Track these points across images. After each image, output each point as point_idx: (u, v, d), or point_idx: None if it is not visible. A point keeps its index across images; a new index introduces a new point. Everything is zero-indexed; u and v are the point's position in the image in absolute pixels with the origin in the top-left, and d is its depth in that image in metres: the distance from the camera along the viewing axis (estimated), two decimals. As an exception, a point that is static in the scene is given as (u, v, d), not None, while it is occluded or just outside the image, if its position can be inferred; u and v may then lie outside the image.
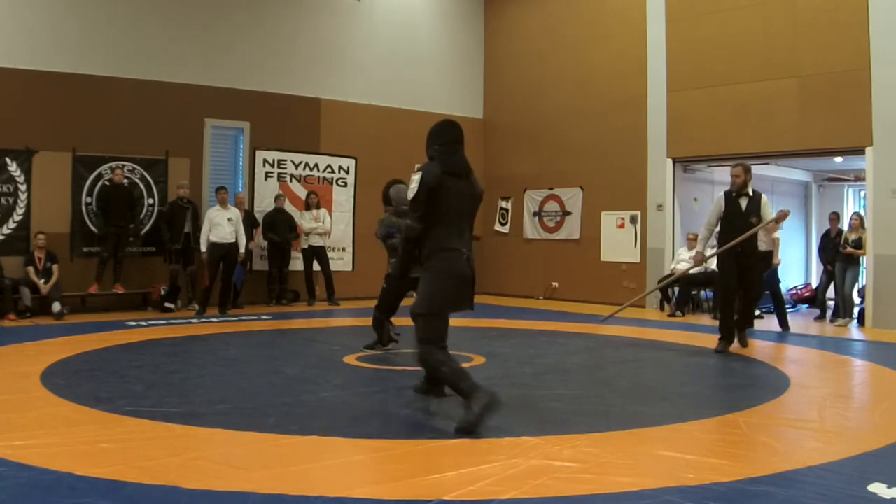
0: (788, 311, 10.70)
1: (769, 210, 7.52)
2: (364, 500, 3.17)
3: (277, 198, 11.87)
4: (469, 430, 4.18)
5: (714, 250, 7.95)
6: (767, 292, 10.06)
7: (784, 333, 9.25)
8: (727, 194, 7.43)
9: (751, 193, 7.36)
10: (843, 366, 7.15)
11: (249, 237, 11.15)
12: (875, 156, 9.87)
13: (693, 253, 11.34)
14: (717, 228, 7.62)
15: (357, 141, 13.05)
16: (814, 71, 10.39)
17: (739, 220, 7.29)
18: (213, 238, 10.39)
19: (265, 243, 11.73)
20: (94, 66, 10.59)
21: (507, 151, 14.29)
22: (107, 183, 10.54)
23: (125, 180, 10.67)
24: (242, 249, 10.74)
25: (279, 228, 11.63)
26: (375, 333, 7.25)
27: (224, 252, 10.42)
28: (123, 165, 10.73)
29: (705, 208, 12.95)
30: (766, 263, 9.56)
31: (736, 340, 7.63)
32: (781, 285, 10.40)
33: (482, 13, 14.81)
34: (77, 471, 3.46)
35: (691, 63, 11.69)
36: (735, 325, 7.55)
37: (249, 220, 11.36)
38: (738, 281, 7.39)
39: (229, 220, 10.50)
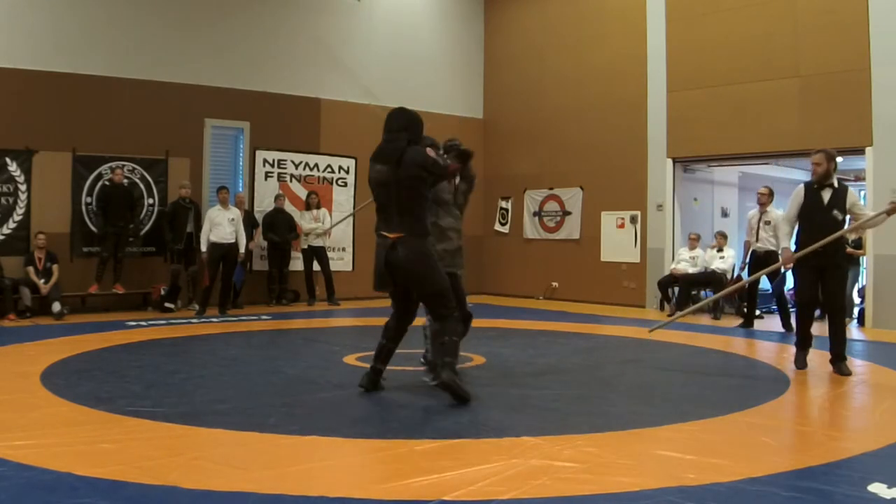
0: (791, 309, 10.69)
1: (859, 203, 6.55)
2: (364, 500, 3.17)
3: (277, 198, 11.87)
4: (446, 386, 4.89)
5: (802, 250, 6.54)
6: (770, 292, 10.04)
7: (786, 334, 9.23)
8: (807, 185, 6.45)
9: (835, 185, 6.37)
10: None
11: (249, 237, 11.15)
12: (875, 156, 9.87)
13: (694, 253, 11.43)
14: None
15: (357, 141, 13.03)
16: (814, 71, 10.39)
17: (821, 214, 6.27)
18: (213, 238, 10.39)
19: (265, 243, 11.73)
20: (94, 66, 10.59)
21: (507, 151, 14.29)
22: (107, 183, 10.54)
23: (125, 180, 10.68)
24: (242, 249, 10.74)
25: (279, 229, 11.63)
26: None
27: (224, 252, 10.42)
28: (123, 165, 10.74)
29: (705, 208, 13.01)
30: (773, 264, 9.51)
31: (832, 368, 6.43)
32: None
33: (482, 13, 14.81)
34: (77, 471, 3.46)
35: (691, 63, 11.69)
36: (830, 353, 6.41)
37: (249, 221, 11.36)
38: (817, 289, 6.36)
39: (230, 220, 10.50)
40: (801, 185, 6.54)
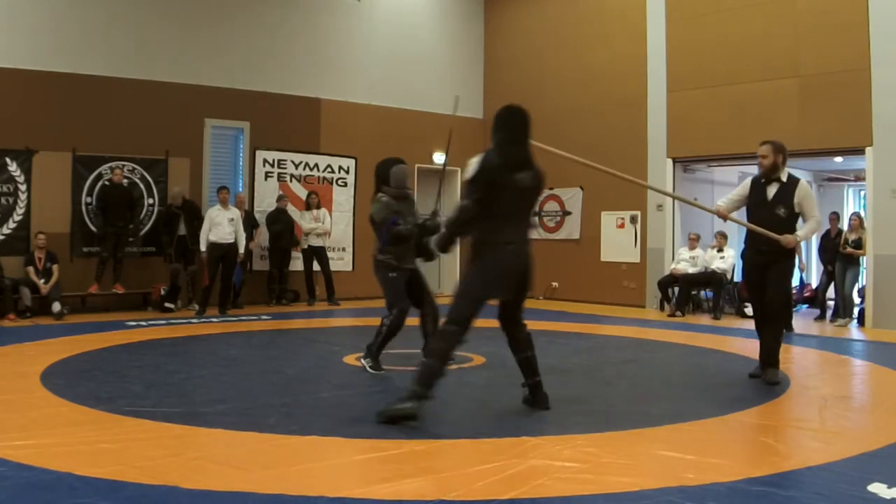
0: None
1: (811, 199, 5.89)
2: (364, 500, 3.17)
3: (280, 199, 11.87)
4: (385, 418, 4.37)
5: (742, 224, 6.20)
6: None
7: (787, 334, 9.21)
8: (754, 180, 6.04)
9: (783, 179, 5.86)
10: (843, 366, 7.15)
11: (249, 237, 11.15)
12: (875, 156, 9.87)
13: (694, 253, 11.43)
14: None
15: (357, 141, 13.06)
16: (814, 71, 10.39)
17: (763, 211, 5.83)
18: (213, 238, 10.38)
19: (265, 243, 11.73)
20: (94, 66, 10.59)
21: (507, 151, 14.26)
22: (107, 183, 10.54)
23: (125, 180, 10.67)
24: (242, 250, 10.74)
25: (281, 229, 11.65)
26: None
27: (223, 252, 10.42)
28: (123, 165, 10.74)
29: (705, 208, 13.00)
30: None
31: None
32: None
33: (482, 13, 14.81)
34: (77, 471, 3.46)
35: (691, 63, 11.69)
36: (761, 357, 6.02)
37: (249, 221, 11.36)
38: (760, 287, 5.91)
39: (230, 220, 10.50)
40: (749, 179, 6.15)
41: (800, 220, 5.91)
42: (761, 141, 6.02)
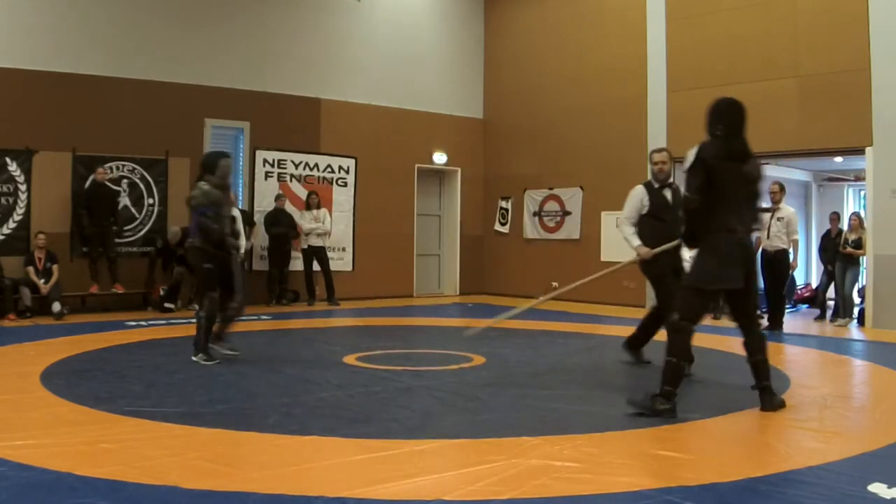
0: (788, 310, 10.68)
1: None
2: (364, 500, 3.17)
3: (278, 198, 11.87)
4: (647, 410, 4.57)
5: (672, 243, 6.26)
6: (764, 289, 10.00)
7: (776, 334, 9.13)
8: (648, 186, 6.36)
9: (674, 185, 6.43)
10: (843, 366, 7.15)
11: (247, 236, 11.13)
12: (875, 156, 9.86)
13: (693, 253, 11.40)
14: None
15: (357, 141, 13.06)
16: (814, 71, 10.38)
17: (669, 213, 6.18)
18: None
19: (265, 242, 11.73)
20: (94, 66, 10.59)
21: (507, 151, 14.29)
22: (91, 183, 10.43)
23: (121, 180, 10.63)
24: (242, 250, 10.72)
25: (282, 227, 11.64)
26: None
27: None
28: (108, 166, 10.65)
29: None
30: (784, 265, 9.51)
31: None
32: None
33: (482, 13, 14.81)
34: (77, 471, 3.46)
35: (691, 63, 11.69)
36: (631, 341, 6.63)
37: (246, 219, 11.32)
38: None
39: (231, 219, 10.47)
40: (640, 186, 6.41)
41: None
42: (656, 149, 6.58)
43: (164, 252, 10.79)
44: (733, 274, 4.64)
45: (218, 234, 6.43)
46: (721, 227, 4.62)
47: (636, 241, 6.26)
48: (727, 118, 4.69)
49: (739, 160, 4.66)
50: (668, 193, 6.34)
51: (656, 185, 6.36)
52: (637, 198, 6.36)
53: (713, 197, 4.60)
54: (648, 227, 6.26)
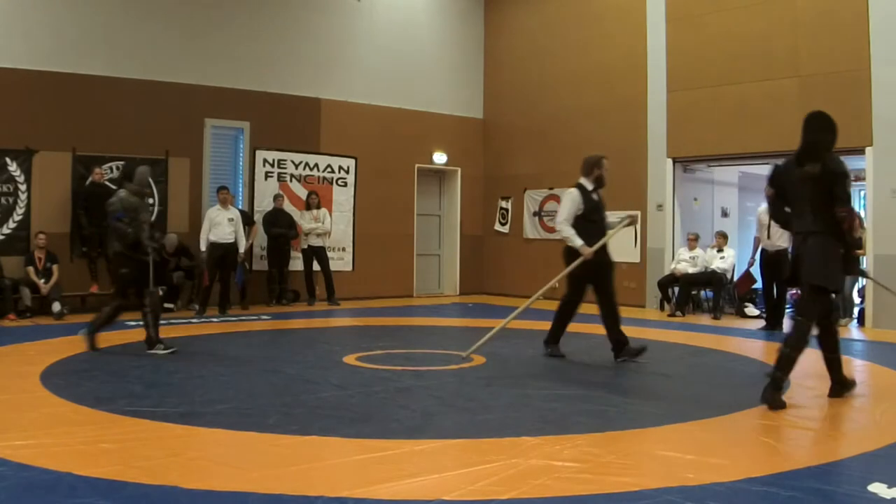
0: (788, 310, 10.65)
1: None
2: (364, 500, 3.17)
3: (276, 198, 11.86)
4: (771, 403, 4.83)
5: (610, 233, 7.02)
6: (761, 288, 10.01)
7: (775, 333, 9.16)
8: (582, 188, 6.92)
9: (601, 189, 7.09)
10: (842, 366, 7.13)
11: (246, 236, 11.13)
12: (875, 156, 9.86)
13: (694, 253, 11.42)
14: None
15: (357, 141, 13.06)
16: (814, 71, 10.38)
17: (599, 214, 6.95)
18: (213, 237, 10.40)
19: (263, 242, 11.73)
20: (94, 66, 10.59)
21: (507, 151, 14.29)
22: (91, 182, 10.43)
23: (116, 179, 10.61)
24: (242, 250, 10.74)
25: (281, 227, 11.64)
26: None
27: (223, 252, 10.42)
28: (107, 166, 10.62)
29: (705, 208, 13.00)
30: (785, 264, 9.49)
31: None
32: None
33: (482, 13, 14.81)
34: (77, 471, 3.46)
35: (691, 63, 11.69)
36: (552, 335, 7.10)
37: (245, 219, 11.33)
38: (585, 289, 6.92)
39: (230, 220, 10.50)
40: (575, 190, 6.92)
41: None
42: (605, 156, 7.15)
43: (157, 262, 10.71)
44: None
45: (132, 238, 6.80)
46: (793, 230, 5.18)
47: (579, 241, 6.75)
48: (804, 125, 5.10)
49: (804, 163, 5.00)
50: (596, 196, 6.98)
51: (589, 189, 6.93)
52: (574, 201, 6.87)
53: (785, 201, 5.17)
54: (582, 227, 6.79)
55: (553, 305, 7.40)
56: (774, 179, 5.22)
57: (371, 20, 13.33)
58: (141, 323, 7.06)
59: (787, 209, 5.22)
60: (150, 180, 7.41)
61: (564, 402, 5.21)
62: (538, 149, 13.83)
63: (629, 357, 6.86)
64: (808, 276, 4.98)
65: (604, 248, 6.82)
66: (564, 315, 7.09)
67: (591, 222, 6.84)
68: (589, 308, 7.18)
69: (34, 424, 4.35)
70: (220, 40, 11.67)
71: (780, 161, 5.28)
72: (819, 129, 5.01)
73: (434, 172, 14.30)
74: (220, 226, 10.43)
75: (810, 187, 4.94)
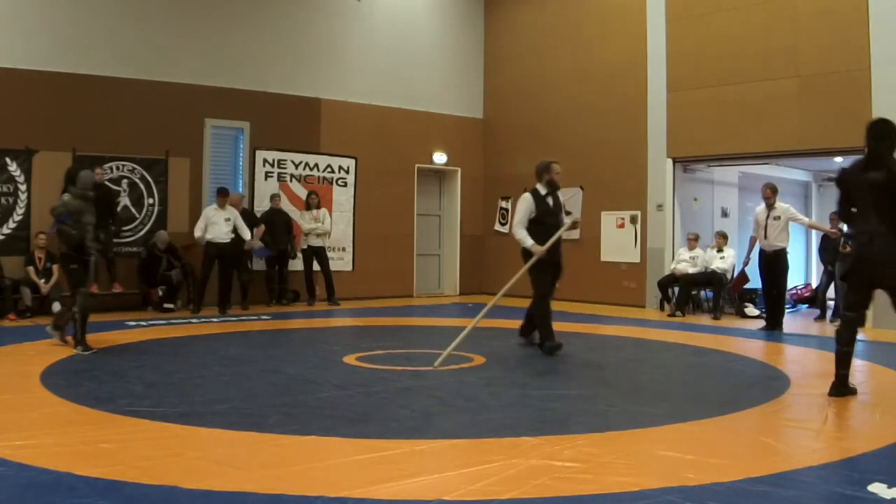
0: (788, 310, 10.67)
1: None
2: (364, 500, 3.17)
3: (273, 197, 11.85)
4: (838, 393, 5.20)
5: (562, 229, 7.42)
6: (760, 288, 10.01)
7: (775, 333, 9.15)
8: (536, 193, 7.33)
9: (555, 192, 7.52)
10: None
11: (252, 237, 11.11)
12: (875, 156, 9.84)
13: (694, 253, 11.41)
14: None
15: (357, 141, 13.06)
16: (814, 71, 10.38)
17: (552, 218, 7.34)
18: (209, 237, 10.41)
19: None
20: (94, 66, 10.59)
21: (507, 151, 14.28)
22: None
23: (119, 179, 10.61)
24: (248, 237, 10.72)
25: (277, 228, 11.61)
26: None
27: (219, 251, 10.43)
28: (107, 166, 10.64)
29: (705, 208, 13.00)
30: (783, 264, 9.52)
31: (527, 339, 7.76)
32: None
33: (482, 13, 14.81)
34: (77, 471, 3.46)
35: (691, 63, 11.69)
36: (526, 330, 7.76)
37: (249, 219, 11.30)
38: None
39: (226, 219, 10.51)
40: (529, 195, 7.30)
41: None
42: (555, 160, 7.52)
43: (149, 259, 10.73)
44: (864, 271, 5.27)
45: (76, 240, 6.93)
46: (855, 230, 5.40)
47: (530, 241, 7.14)
48: (868, 131, 5.25)
49: (870, 169, 5.20)
50: (550, 200, 7.34)
51: (543, 193, 7.30)
52: (528, 205, 7.24)
53: (851, 204, 5.38)
54: (534, 229, 7.16)
55: (557, 306, 7.51)
56: (841, 182, 5.44)
57: (371, 20, 13.33)
58: (142, 323, 7.07)
59: (853, 209, 5.42)
60: (96, 183, 7.69)
61: (564, 402, 5.21)
62: (538, 149, 13.78)
63: (526, 342, 7.62)
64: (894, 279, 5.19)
65: (556, 248, 7.19)
66: (542, 314, 7.40)
67: (543, 225, 7.19)
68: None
69: (34, 424, 4.35)
70: (220, 40, 11.68)
71: (846, 164, 5.49)
72: (881, 136, 5.21)
73: (434, 172, 14.31)
74: (217, 225, 10.44)
75: (876, 192, 5.15)
